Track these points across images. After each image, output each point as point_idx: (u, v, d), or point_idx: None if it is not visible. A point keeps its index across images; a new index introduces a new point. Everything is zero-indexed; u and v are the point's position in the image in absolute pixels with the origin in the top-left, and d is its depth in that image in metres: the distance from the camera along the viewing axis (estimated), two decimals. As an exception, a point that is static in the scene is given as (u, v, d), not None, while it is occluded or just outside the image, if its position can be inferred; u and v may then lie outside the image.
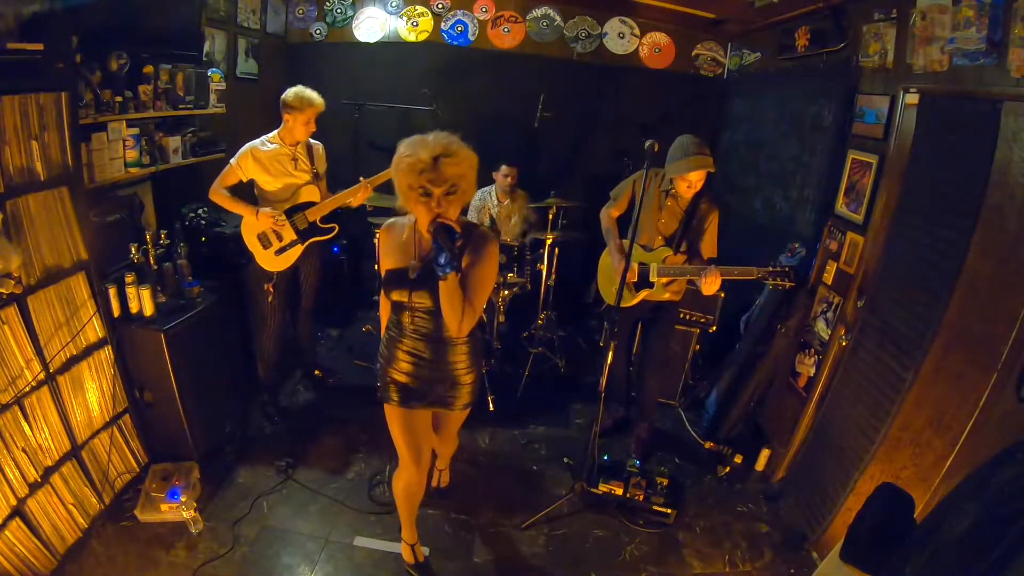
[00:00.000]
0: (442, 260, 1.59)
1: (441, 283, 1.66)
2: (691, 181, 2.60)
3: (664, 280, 2.74)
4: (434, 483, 2.64)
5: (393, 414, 2.03)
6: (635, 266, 2.75)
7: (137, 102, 2.65)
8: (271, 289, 2.97)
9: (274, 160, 2.80)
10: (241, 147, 2.80)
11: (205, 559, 2.26)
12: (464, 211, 1.87)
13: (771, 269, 2.51)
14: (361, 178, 2.93)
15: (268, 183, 2.83)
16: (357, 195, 2.92)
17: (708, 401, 3.49)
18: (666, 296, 2.82)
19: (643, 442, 3.14)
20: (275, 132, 2.84)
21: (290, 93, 2.75)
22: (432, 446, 2.28)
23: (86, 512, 2.31)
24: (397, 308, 1.91)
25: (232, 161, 2.78)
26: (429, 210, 1.65)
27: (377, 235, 1.87)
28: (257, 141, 2.80)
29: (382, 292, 1.92)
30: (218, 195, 2.78)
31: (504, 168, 3.81)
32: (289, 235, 2.91)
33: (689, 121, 4.19)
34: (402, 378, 1.97)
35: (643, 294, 2.78)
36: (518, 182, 3.92)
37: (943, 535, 1.42)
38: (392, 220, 1.91)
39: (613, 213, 2.92)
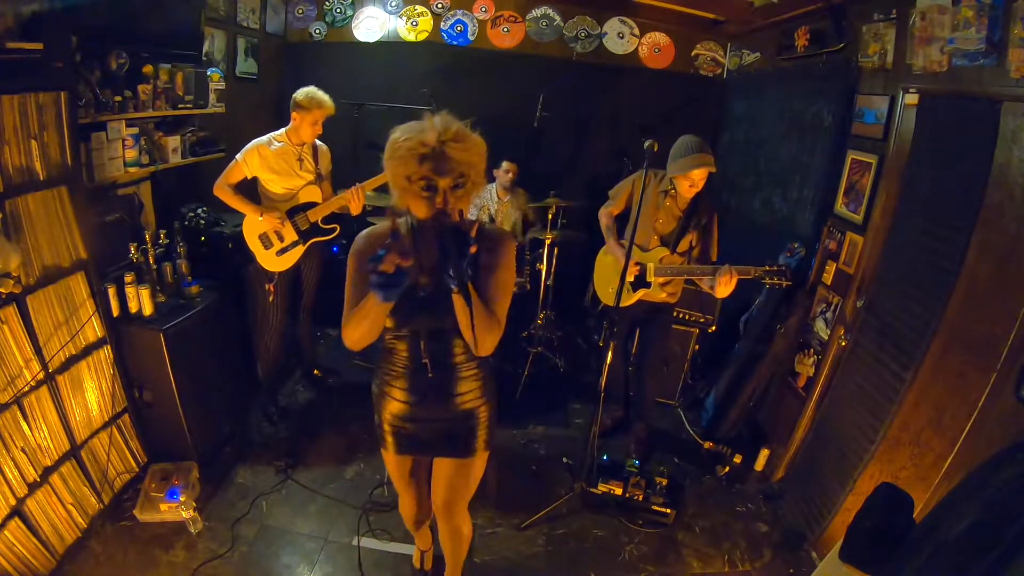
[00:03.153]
0: (452, 271, 1.24)
1: (455, 297, 1.34)
2: (693, 179, 2.60)
3: (661, 280, 2.74)
4: None
5: (391, 462, 1.78)
6: (634, 265, 2.75)
7: (136, 101, 2.64)
8: (272, 289, 2.97)
9: (280, 158, 2.80)
10: (244, 145, 2.79)
11: (204, 559, 2.26)
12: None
13: (768, 268, 2.51)
14: (356, 184, 2.88)
15: (272, 181, 2.83)
16: (352, 201, 2.87)
17: (707, 401, 3.49)
18: (662, 296, 2.82)
19: (642, 442, 3.14)
20: (282, 131, 2.84)
21: (301, 92, 2.74)
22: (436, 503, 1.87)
23: (85, 512, 2.30)
24: (394, 336, 1.55)
25: (238, 157, 2.78)
26: (432, 208, 1.34)
27: (352, 251, 1.49)
28: (264, 138, 2.80)
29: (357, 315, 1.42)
30: (223, 191, 2.78)
31: (505, 164, 3.82)
32: (291, 236, 2.90)
33: (689, 121, 4.18)
34: (401, 422, 1.65)
35: (640, 293, 2.78)
36: (518, 180, 3.93)
37: (942, 535, 1.42)
38: (369, 230, 1.52)
39: (612, 212, 2.92)
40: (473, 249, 1.24)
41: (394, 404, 1.63)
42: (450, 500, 1.80)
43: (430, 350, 1.53)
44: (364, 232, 1.52)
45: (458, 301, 1.34)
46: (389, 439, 1.70)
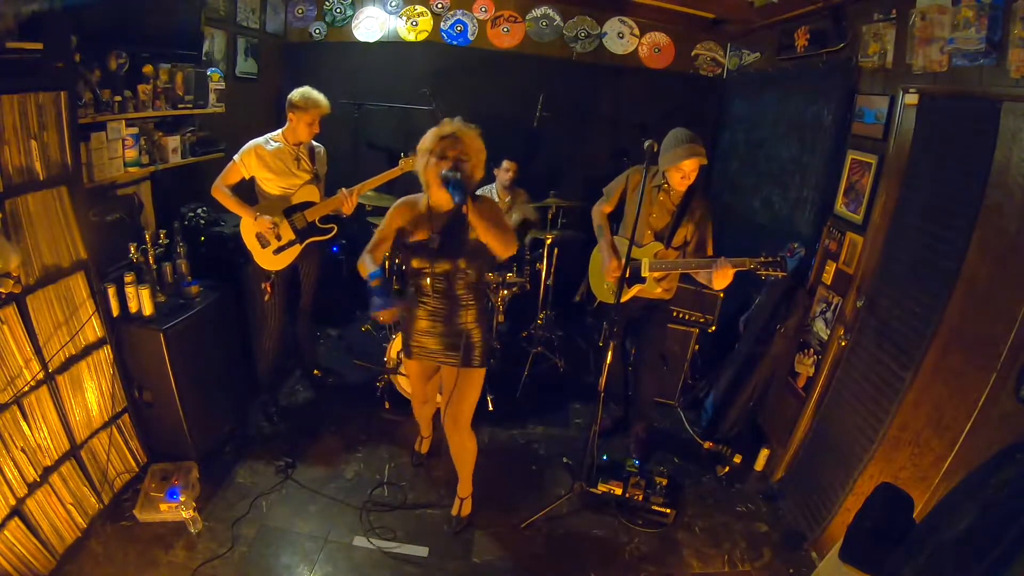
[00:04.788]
0: (450, 185, 1.90)
1: (472, 217, 1.93)
2: (685, 171, 2.59)
3: (657, 275, 2.73)
4: (454, 511, 2.59)
5: (413, 366, 2.46)
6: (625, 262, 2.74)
7: (136, 101, 2.65)
8: (268, 288, 2.96)
9: (277, 158, 2.80)
10: (243, 145, 2.79)
11: (204, 559, 2.26)
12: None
13: (763, 259, 2.49)
14: (342, 189, 2.91)
15: (269, 181, 2.83)
16: (344, 203, 2.90)
17: (707, 401, 3.49)
18: (658, 292, 2.81)
19: (641, 441, 3.14)
20: (279, 131, 2.84)
21: (296, 93, 2.74)
22: (442, 405, 2.42)
23: (85, 512, 2.30)
24: (417, 274, 2.20)
25: (235, 158, 2.78)
26: (442, 167, 1.98)
27: (394, 206, 2.19)
28: (261, 139, 2.80)
29: (380, 251, 2.18)
30: (220, 192, 2.78)
31: (505, 163, 3.82)
32: (288, 235, 2.90)
33: (688, 121, 4.11)
34: (421, 336, 2.28)
35: (635, 289, 2.77)
36: (518, 179, 3.92)
37: (942, 535, 1.42)
38: (406, 197, 2.20)
39: (605, 209, 2.91)
40: (462, 168, 1.99)
41: (419, 323, 2.27)
42: (455, 411, 2.32)
43: (438, 287, 2.18)
44: (405, 197, 2.21)
45: (473, 218, 1.94)
46: (414, 349, 2.33)
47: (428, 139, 2.02)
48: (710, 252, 2.73)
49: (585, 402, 3.61)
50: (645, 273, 2.72)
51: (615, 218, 2.94)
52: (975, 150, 1.96)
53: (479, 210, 1.96)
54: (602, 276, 2.96)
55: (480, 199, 2.09)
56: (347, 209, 2.91)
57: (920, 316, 2.18)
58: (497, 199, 3.94)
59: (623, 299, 2.77)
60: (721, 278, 2.46)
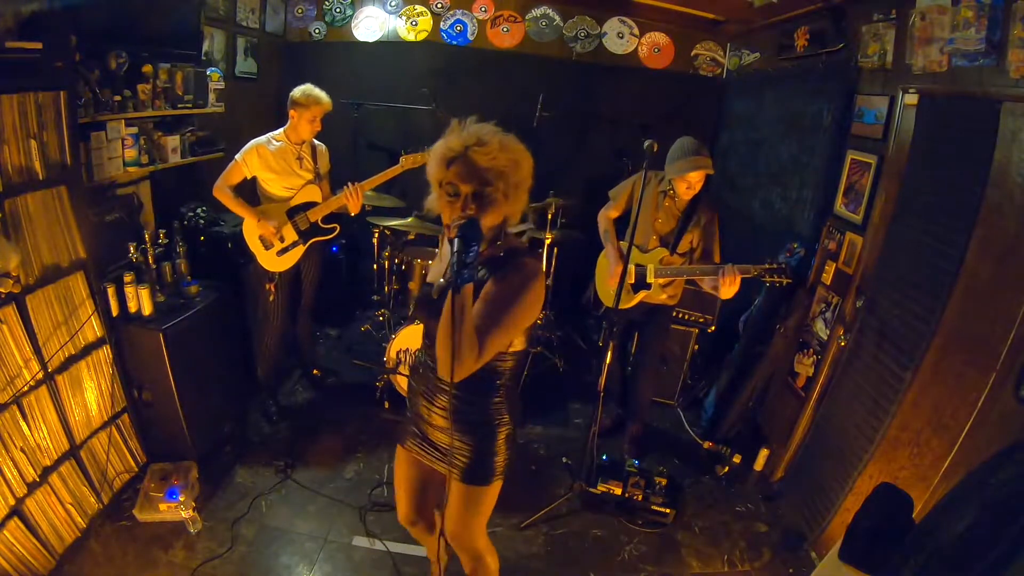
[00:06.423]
0: (454, 261, 1.20)
1: (447, 305, 1.21)
2: (690, 182, 2.60)
3: (662, 281, 2.74)
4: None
5: (397, 452, 1.77)
6: (632, 268, 2.74)
7: (136, 101, 2.64)
8: (272, 289, 2.97)
9: (279, 158, 2.80)
10: (244, 145, 2.79)
11: (204, 559, 2.26)
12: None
13: (768, 267, 2.50)
14: (348, 183, 2.89)
15: (271, 181, 2.82)
16: (350, 200, 2.88)
17: (707, 401, 3.49)
18: (663, 298, 2.81)
19: (635, 441, 3.14)
20: (281, 130, 2.84)
21: (298, 90, 2.74)
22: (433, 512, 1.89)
23: (84, 512, 2.30)
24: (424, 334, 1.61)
25: (237, 157, 2.77)
26: (455, 213, 1.33)
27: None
28: (263, 138, 2.80)
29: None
30: (222, 193, 2.77)
31: None
32: (291, 236, 2.90)
33: (688, 121, 4.18)
34: (416, 417, 1.67)
35: (641, 295, 2.78)
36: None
37: (941, 535, 1.42)
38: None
39: (611, 214, 2.91)
40: (484, 250, 1.31)
41: (413, 398, 1.66)
42: (453, 531, 1.71)
43: (432, 354, 1.46)
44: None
45: (448, 304, 1.21)
46: (403, 433, 1.73)
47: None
48: (717, 259, 2.73)
49: (585, 402, 3.61)
50: (651, 279, 2.72)
51: (623, 223, 2.93)
52: (975, 150, 1.96)
53: (465, 299, 1.24)
54: (608, 281, 2.97)
55: (504, 273, 1.38)
56: (353, 207, 2.90)
57: (920, 316, 2.18)
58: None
59: (629, 305, 2.78)
60: (728, 286, 2.46)
